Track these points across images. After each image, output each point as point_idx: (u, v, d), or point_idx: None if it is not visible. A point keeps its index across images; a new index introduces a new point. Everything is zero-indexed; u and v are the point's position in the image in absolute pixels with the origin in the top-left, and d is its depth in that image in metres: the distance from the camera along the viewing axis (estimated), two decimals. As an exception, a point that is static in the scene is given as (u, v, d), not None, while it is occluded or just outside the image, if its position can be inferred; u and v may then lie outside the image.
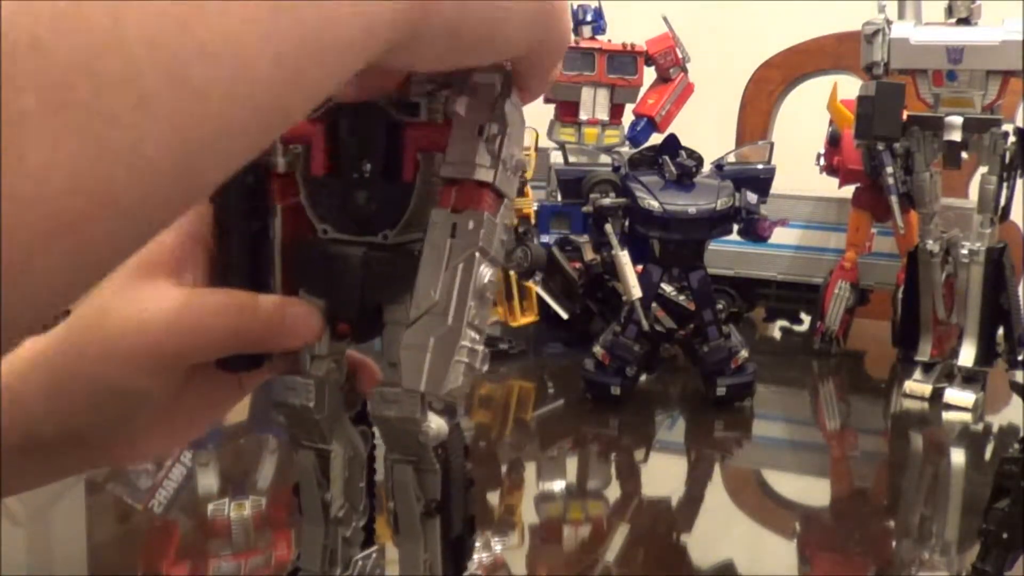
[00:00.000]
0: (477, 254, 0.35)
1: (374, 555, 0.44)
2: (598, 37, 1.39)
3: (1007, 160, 1.08)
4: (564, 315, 1.27)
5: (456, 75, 0.37)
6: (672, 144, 1.07)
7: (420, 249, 0.37)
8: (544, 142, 1.41)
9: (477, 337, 0.36)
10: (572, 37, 1.37)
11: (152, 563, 0.75)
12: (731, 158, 1.09)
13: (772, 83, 1.81)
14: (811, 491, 0.96)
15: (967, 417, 1.09)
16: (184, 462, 0.86)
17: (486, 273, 0.36)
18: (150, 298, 0.39)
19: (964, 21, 1.09)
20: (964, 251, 1.12)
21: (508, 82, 0.36)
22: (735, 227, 1.06)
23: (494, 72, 0.36)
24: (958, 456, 1.06)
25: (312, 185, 0.39)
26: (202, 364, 0.38)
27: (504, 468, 0.93)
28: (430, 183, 0.38)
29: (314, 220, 0.39)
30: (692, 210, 1.03)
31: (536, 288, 1.27)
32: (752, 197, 1.05)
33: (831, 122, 1.33)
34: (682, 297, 1.15)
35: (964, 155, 1.11)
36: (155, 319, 0.37)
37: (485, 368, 0.36)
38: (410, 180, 0.38)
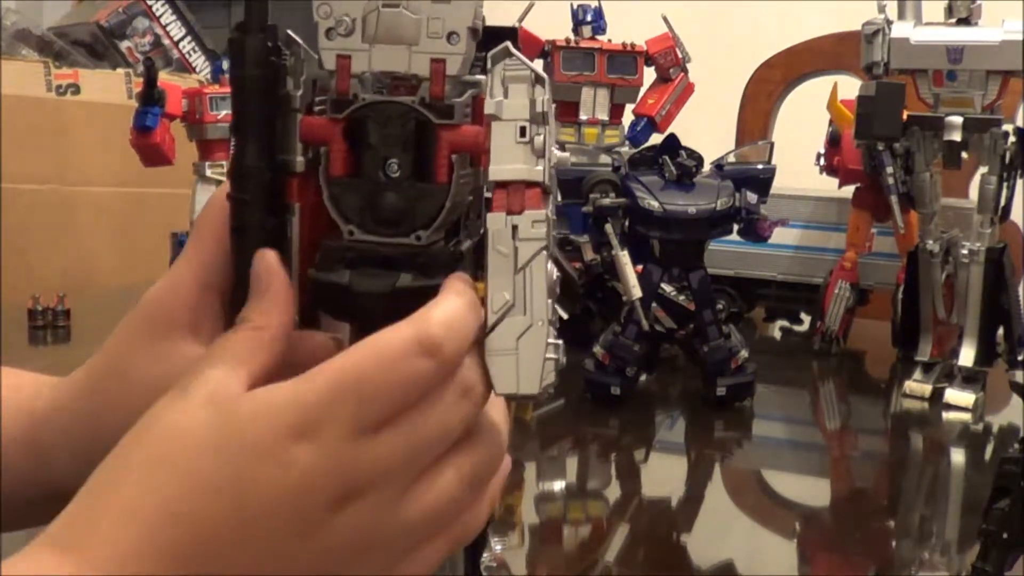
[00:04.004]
0: (544, 252, 0.36)
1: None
2: (598, 37, 1.39)
3: (1007, 160, 1.08)
4: (564, 315, 1.27)
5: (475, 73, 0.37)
6: (672, 144, 1.07)
7: (457, 257, 0.38)
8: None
9: (555, 332, 0.37)
10: (572, 37, 1.37)
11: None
12: (731, 158, 1.09)
13: (772, 83, 1.81)
14: (811, 491, 0.96)
15: (967, 417, 1.09)
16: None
17: (553, 270, 0.37)
18: (169, 359, 0.39)
19: (964, 21, 1.08)
20: (964, 251, 1.12)
21: (540, 79, 0.37)
22: (735, 227, 1.06)
23: (524, 69, 0.37)
24: (958, 456, 1.06)
25: (336, 185, 0.38)
26: None
27: (504, 468, 0.93)
28: (461, 184, 0.38)
29: (338, 221, 0.38)
30: (692, 210, 1.03)
31: (536, 288, 1.27)
32: (752, 197, 1.05)
33: (831, 122, 1.33)
34: (682, 297, 1.14)
35: (964, 155, 1.11)
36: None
37: (564, 361, 0.38)
38: (445, 182, 0.38)
